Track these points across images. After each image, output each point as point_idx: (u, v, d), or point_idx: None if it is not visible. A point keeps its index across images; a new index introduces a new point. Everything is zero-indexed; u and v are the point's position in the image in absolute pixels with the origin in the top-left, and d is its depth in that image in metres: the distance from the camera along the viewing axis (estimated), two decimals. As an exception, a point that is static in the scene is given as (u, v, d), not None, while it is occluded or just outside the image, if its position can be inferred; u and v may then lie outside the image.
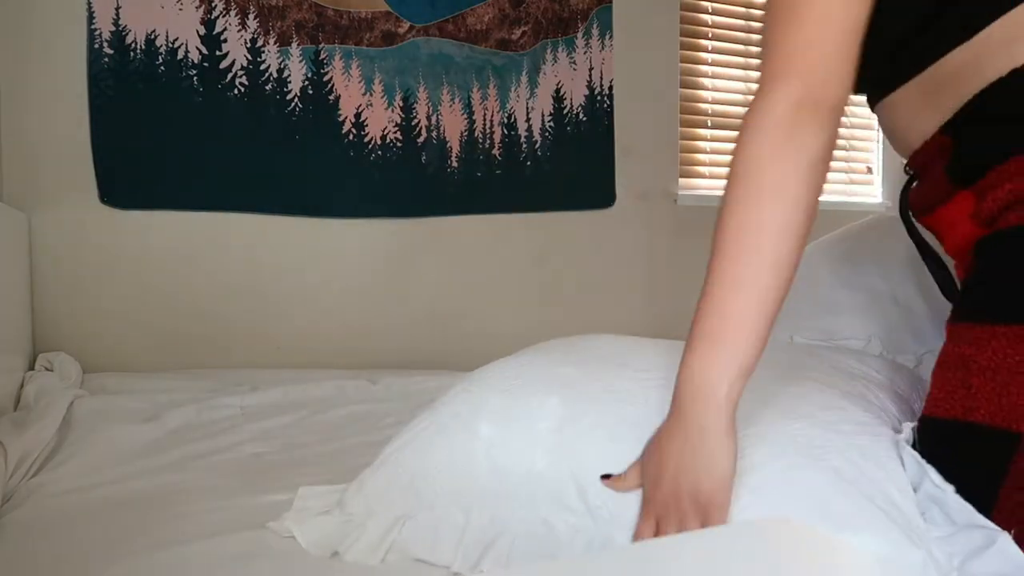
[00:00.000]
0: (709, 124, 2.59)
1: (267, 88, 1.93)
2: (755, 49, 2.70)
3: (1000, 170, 0.70)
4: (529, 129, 2.25)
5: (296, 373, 1.72)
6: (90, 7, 1.76)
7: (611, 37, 2.37)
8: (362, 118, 2.04)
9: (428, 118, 2.12)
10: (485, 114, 2.19)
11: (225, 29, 1.88)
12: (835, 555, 0.42)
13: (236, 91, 1.90)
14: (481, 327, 2.20)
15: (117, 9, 1.78)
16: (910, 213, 0.89)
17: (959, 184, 0.75)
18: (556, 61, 2.29)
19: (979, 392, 0.70)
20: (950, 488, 0.68)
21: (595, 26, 2.35)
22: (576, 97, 2.32)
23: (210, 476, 1.06)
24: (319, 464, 1.12)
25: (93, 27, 1.77)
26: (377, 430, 1.30)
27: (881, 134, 2.89)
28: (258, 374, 1.69)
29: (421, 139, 2.11)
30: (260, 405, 1.45)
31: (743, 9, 2.67)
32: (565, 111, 2.31)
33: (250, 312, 1.94)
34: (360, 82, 2.03)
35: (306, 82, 1.97)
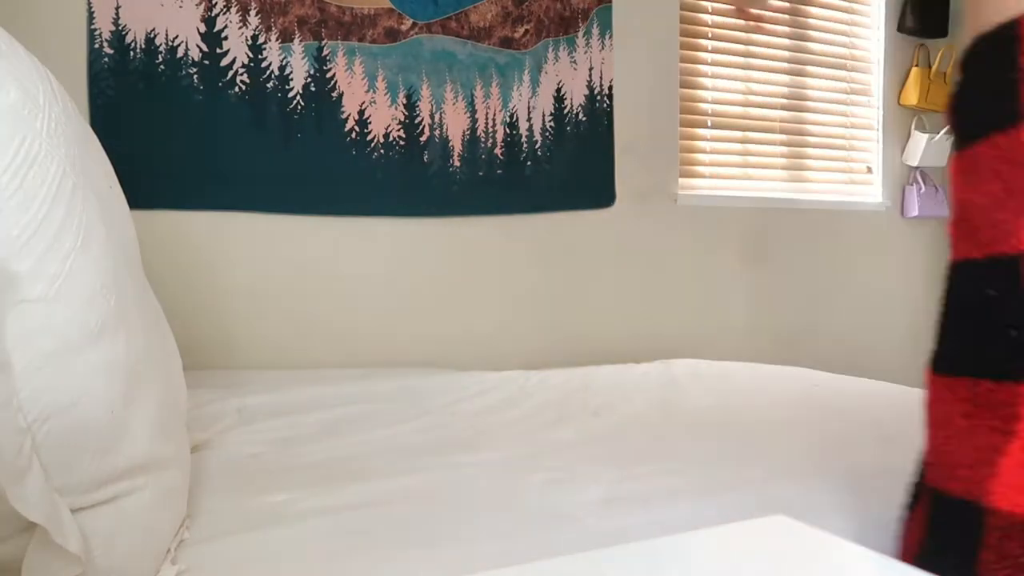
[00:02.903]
0: (709, 124, 2.59)
1: (268, 86, 1.92)
2: (755, 49, 2.70)
3: None
4: (530, 128, 2.25)
5: (294, 373, 1.72)
6: (90, 7, 1.76)
7: (611, 37, 2.37)
8: (365, 116, 2.03)
9: (431, 116, 2.11)
10: (488, 113, 2.19)
11: (226, 26, 1.88)
12: (832, 553, 0.42)
13: (237, 89, 1.89)
14: (481, 326, 2.21)
15: (117, 8, 1.78)
16: None
17: None
18: (558, 60, 2.29)
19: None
20: None
21: (595, 26, 2.34)
22: (576, 97, 2.32)
23: (208, 476, 1.06)
24: (318, 465, 1.12)
25: (93, 27, 1.77)
26: (376, 430, 1.30)
27: (881, 134, 2.89)
28: (256, 374, 1.69)
29: (424, 137, 2.11)
30: (258, 405, 1.45)
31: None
32: (565, 111, 2.31)
33: (249, 311, 1.94)
34: (363, 79, 2.03)
35: (308, 79, 1.96)
